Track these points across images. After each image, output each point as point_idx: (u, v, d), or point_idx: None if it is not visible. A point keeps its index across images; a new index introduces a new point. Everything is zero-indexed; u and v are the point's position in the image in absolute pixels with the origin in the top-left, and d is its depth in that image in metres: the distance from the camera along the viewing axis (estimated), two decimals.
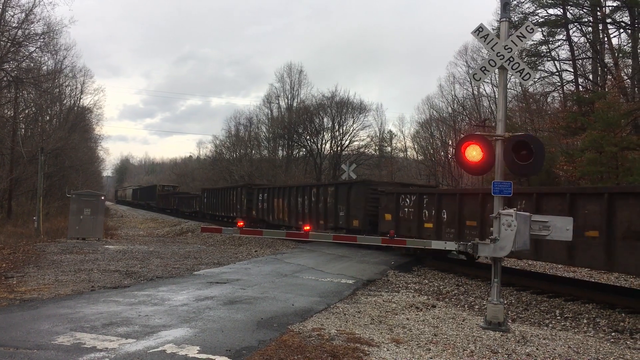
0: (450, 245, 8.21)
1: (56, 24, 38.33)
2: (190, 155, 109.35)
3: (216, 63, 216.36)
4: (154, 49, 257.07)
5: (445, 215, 14.54)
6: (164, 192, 66.46)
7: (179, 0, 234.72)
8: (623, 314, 9.33)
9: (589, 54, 30.18)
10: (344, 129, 57.98)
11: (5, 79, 27.65)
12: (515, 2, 28.72)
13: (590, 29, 29.45)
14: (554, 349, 6.73)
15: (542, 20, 28.94)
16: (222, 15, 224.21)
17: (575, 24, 29.35)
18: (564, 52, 31.23)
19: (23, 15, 27.55)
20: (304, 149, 59.58)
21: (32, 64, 31.88)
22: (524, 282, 12.17)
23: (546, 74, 31.80)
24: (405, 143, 64.11)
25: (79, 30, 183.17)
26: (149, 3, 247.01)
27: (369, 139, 59.49)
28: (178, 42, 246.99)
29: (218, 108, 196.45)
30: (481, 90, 46.87)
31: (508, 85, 32.26)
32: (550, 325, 8.82)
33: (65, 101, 48.41)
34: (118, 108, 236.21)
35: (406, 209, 16.22)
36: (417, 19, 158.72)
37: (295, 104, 64.11)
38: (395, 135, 65.33)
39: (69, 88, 48.68)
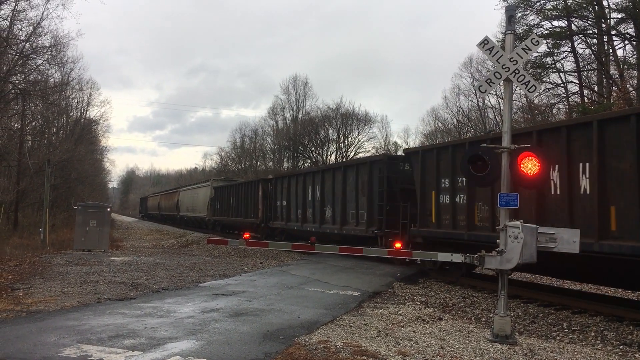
0: (457, 258, 8.20)
1: (63, 37, 38.48)
2: (195, 167, 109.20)
3: (226, 74, 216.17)
4: (165, 61, 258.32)
5: None
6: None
7: (191, 11, 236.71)
8: (631, 327, 9.25)
9: (594, 65, 30.18)
10: (349, 140, 58.31)
11: (12, 91, 27.87)
12: (520, 15, 28.83)
13: (595, 40, 29.49)
14: None
15: (546, 32, 29.03)
16: (233, 27, 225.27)
17: (580, 35, 29.39)
18: (569, 64, 31.23)
19: (31, 28, 27.83)
20: (309, 161, 59.71)
21: (39, 77, 32.24)
22: (531, 295, 12.10)
23: (551, 86, 31.77)
24: None
25: (90, 42, 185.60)
26: (160, 15, 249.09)
27: (374, 151, 59.74)
28: (189, 54, 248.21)
29: (228, 120, 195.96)
30: (486, 101, 46.92)
31: (513, 97, 32.26)
32: (557, 338, 8.76)
33: (71, 113, 48.78)
34: (128, 120, 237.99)
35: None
36: (423, 32, 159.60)
37: (300, 116, 64.42)
38: (400, 147, 65.56)
39: (76, 100, 49.13)
